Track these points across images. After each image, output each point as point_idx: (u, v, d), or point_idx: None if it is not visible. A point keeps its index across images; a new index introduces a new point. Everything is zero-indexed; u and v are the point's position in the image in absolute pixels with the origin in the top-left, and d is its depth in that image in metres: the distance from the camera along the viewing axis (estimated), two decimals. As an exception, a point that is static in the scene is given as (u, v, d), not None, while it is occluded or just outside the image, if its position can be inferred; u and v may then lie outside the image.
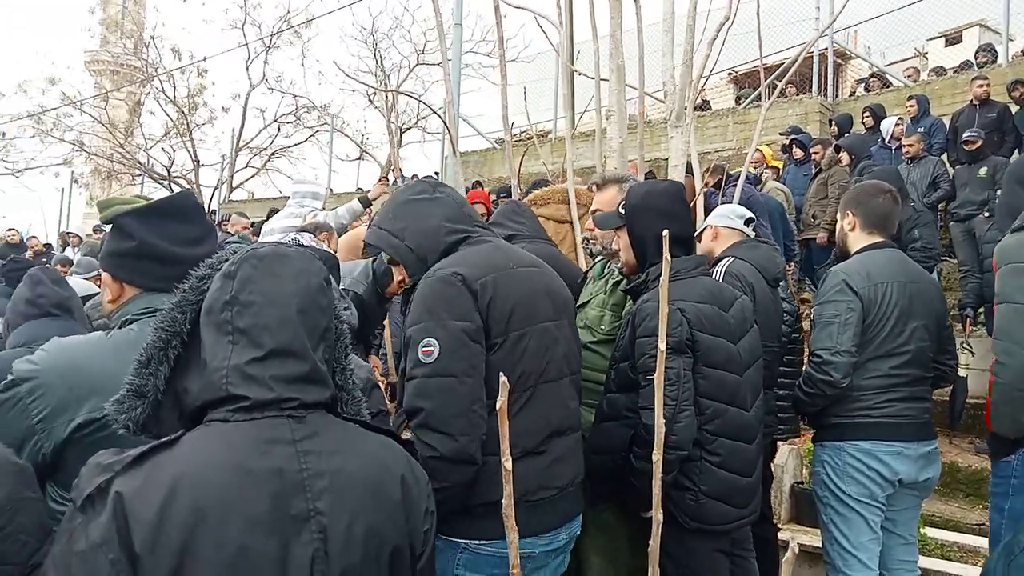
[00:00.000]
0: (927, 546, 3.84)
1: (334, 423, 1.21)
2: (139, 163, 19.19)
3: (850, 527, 2.63)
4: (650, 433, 1.89)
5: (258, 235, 6.72)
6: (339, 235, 4.53)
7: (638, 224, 2.39)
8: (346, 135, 18.74)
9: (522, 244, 2.82)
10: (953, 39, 15.95)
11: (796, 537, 3.78)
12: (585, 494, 2.41)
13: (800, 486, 4.27)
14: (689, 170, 4.11)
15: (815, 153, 7.81)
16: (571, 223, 3.68)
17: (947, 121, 8.01)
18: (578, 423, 2.03)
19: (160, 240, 1.60)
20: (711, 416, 2.22)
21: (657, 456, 1.69)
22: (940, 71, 11.75)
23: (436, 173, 12.90)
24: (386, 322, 3.88)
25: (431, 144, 18.31)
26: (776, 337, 3.06)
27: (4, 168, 19.84)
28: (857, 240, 2.83)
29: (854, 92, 12.63)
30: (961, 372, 3.12)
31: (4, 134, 19.46)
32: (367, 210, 5.09)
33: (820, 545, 2.85)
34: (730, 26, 4.01)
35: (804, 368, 2.75)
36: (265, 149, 19.95)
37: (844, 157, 7.30)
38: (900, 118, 8.13)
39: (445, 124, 4.52)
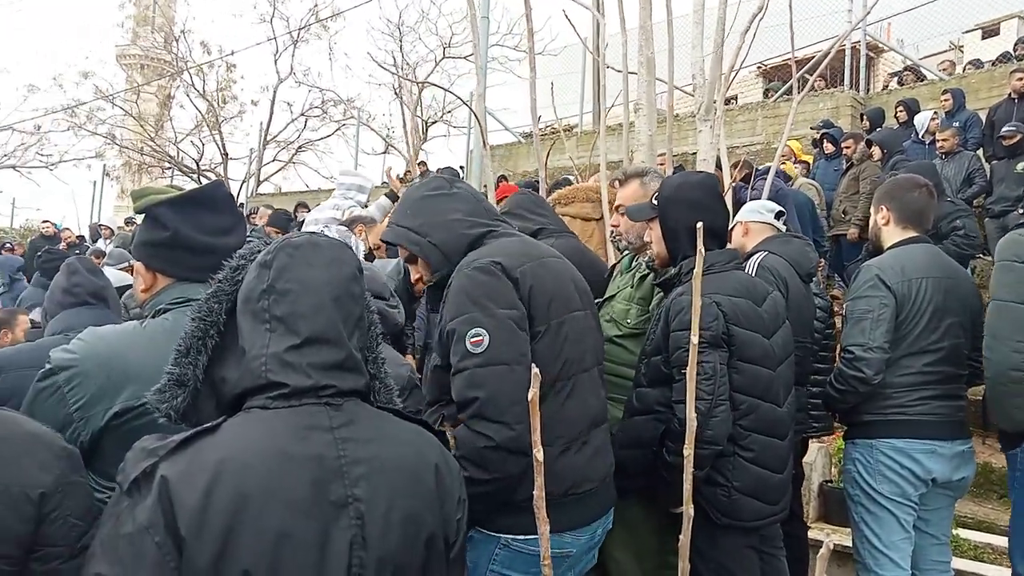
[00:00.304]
0: (960, 547, 3.78)
1: (370, 411, 1.23)
2: (169, 156, 19.46)
3: (882, 526, 2.59)
4: (684, 427, 1.87)
5: (276, 229, 6.76)
6: None
7: (671, 216, 2.36)
8: (372, 128, 18.83)
9: (550, 239, 2.82)
10: (990, 31, 15.58)
11: (824, 536, 3.74)
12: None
13: (829, 484, 4.23)
14: (718, 164, 4.07)
15: (846, 148, 7.68)
16: (598, 219, 3.66)
17: (983, 115, 7.83)
18: (607, 414, 2.02)
19: (193, 230, 1.62)
20: (745, 411, 2.20)
21: (688, 451, 1.68)
22: (977, 64, 11.48)
23: (462, 167, 12.91)
24: None
25: (456, 138, 18.35)
26: (809, 333, 3.02)
27: (39, 161, 20.26)
28: (891, 235, 2.79)
29: (887, 86, 12.40)
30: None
31: (39, 127, 19.86)
32: (395, 205, 5.11)
33: (849, 544, 2.82)
34: (761, 18, 3.96)
35: (836, 365, 2.71)
36: (292, 142, 20.12)
37: (876, 152, 7.18)
38: (935, 112, 7.96)
39: (476, 116, 4.52)
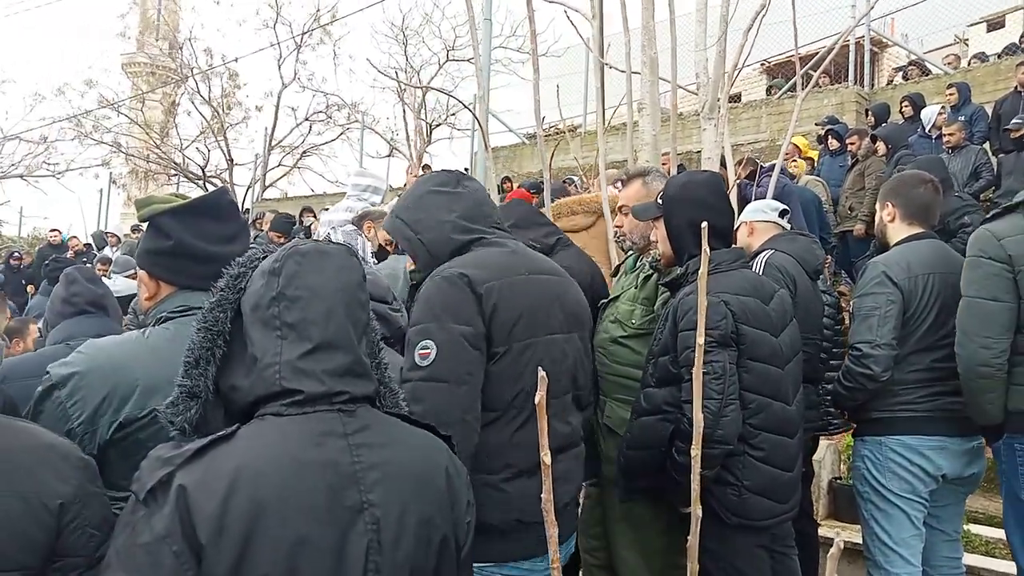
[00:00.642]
0: (971, 543, 3.76)
1: (381, 416, 1.24)
2: (175, 163, 19.54)
3: (892, 523, 2.59)
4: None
5: (279, 233, 6.74)
6: None
7: (676, 215, 2.36)
8: (376, 132, 18.87)
9: (565, 251, 2.82)
10: (995, 24, 15.51)
11: (834, 533, 3.73)
12: (616, 488, 2.42)
13: (838, 482, 4.21)
14: (723, 162, 4.06)
15: (851, 144, 7.65)
16: (587, 228, 3.67)
17: (989, 109, 7.79)
18: (579, 439, 1.97)
19: (196, 239, 1.61)
20: (755, 410, 2.20)
21: (696, 451, 1.68)
22: (982, 57, 11.43)
23: (466, 169, 12.93)
24: None
25: (459, 141, 18.35)
26: (818, 330, 3.02)
27: (46, 170, 20.38)
28: (897, 231, 2.78)
29: (891, 81, 12.37)
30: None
31: (46, 138, 19.98)
32: None
33: (859, 541, 2.81)
34: (764, 15, 3.95)
35: (844, 362, 2.71)
36: (297, 147, 20.18)
37: (881, 147, 7.15)
38: (943, 107, 7.93)
39: (477, 119, 4.52)
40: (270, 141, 19.01)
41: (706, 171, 2.84)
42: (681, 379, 2.17)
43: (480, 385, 1.73)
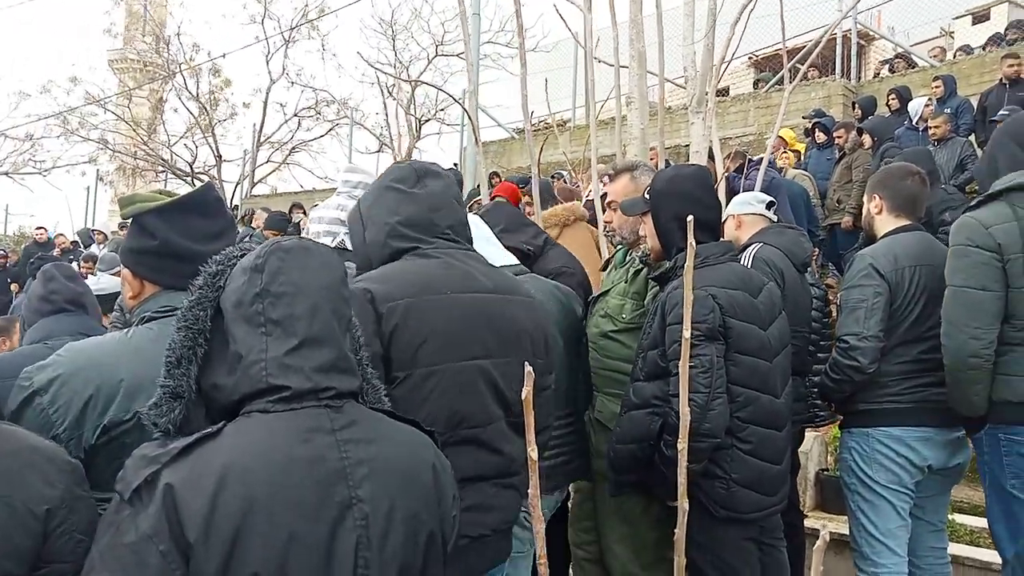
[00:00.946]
0: (956, 533, 3.79)
1: (367, 412, 1.24)
2: (162, 160, 19.41)
3: (878, 514, 2.60)
4: None
5: (274, 231, 6.70)
6: None
7: (663, 209, 2.36)
8: (366, 128, 18.80)
9: (552, 249, 2.81)
10: (981, 17, 15.60)
11: (821, 524, 3.75)
12: (606, 483, 2.42)
13: (825, 473, 4.24)
14: (711, 155, 4.07)
15: (838, 137, 7.69)
16: (564, 227, 3.67)
17: (975, 101, 7.84)
18: (518, 467, 1.80)
19: (181, 238, 1.59)
20: (743, 403, 2.21)
21: (682, 445, 1.68)
22: (967, 50, 11.49)
23: (456, 164, 12.89)
24: None
25: (448, 136, 18.32)
26: (806, 323, 3.03)
27: (32, 168, 20.20)
28: (884, 223, 2.79)
29: (878, 74, 12.41)
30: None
31: (32, 136, 19.80)
32: None
33: (846, 532, 2.83)
34: (752, 8, 3.96)
35: (831, 354, 2.72)
36: (286, 143, 20.08)
37: (867, 140, 7.18)
38: (929, 99, 7.97)
39: (467, 113, 4.51)
40: (258, 137, 18.90)
41: (693, 165, 2.85)
42: (670, 373, 2.17)
43: None
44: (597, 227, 3.76)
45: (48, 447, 1.30)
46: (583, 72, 4.15)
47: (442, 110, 18.24)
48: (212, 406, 1.21)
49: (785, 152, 7.86)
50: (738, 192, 4.23)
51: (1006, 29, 10.71)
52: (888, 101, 8.33)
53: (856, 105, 9.13)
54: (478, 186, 6.04)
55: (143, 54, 23.49)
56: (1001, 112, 6.69)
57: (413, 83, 14.14)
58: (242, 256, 1.27)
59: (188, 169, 19.24)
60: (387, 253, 1.78)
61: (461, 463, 1.52)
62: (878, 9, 13.09)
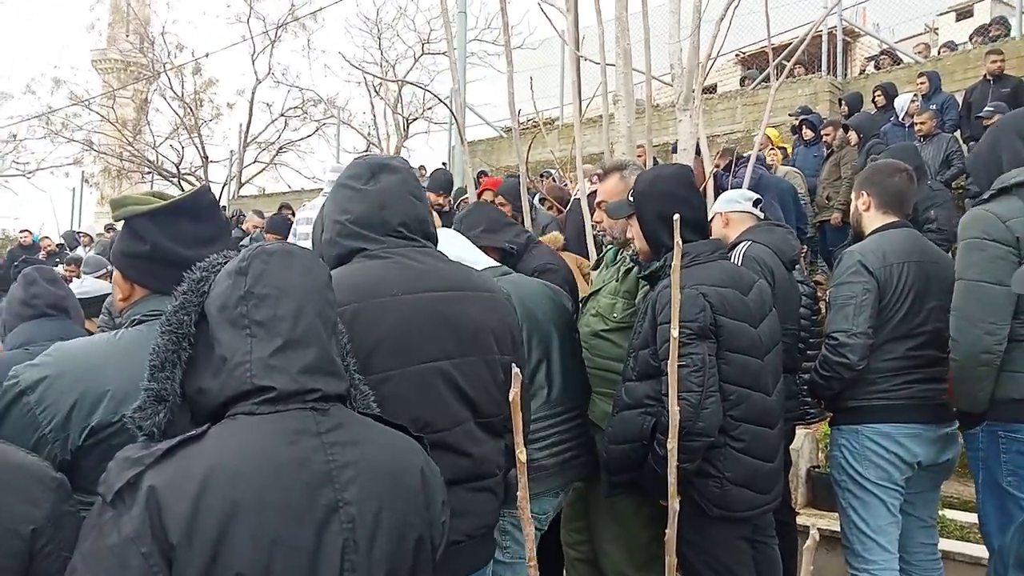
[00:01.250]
0: (946, 528, 3.81)
1: (354, 416, 1.23)
2: (148, 161, 19.27)
3: (869, 511, 2.60)
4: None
5: (276, 235, 6.62)
6: None
7: (647, 211, 2.36)
8: (353, 127, 18.74)
9: (535, 247, 2.80)
10: (964, 13, 15.74)
11: (813, 521, 3.76)
12: (599, 483, 2.41)
13: (816, 470, 4.25)
14: (698, 152, 4.07)
15: (827, 134, 7.73)
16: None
17: (959, 97, 7.89)
18: (492, 469, 1.77)
19: (173, 243, 1.57)
20: (735, 402, 2.20)
21: (672, 444, 1.67)
22: (951, 46, 11.58)
23: (444, 163, 12.86)
24: None
25: (436, 135, 18.29)
26: (795, 320, 3.04)
27: (15, 169, 20.01)
28: (872, 220, 2.79)
29: (864, 70, 12.49)
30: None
31: (15, 136, 19.61)
32: None
33: (837, 529, 2.83)
34: (737, 5, 3.96)
35: (821, 351, 2.72)
36: (273, 144, 19.99)
37: (853, 137, 7.22)
38: (915, 95, 8.02)
39: (452, 113, 4.49)
40: (245, 137, 18.81)
41: (674, 164, 2.85)
42: (662, 372, 2.17)
43: None
44: (585, 228, 3.74)
45: (33, 465, 1.27)
46: (570, 70, 4.13)
47: (430, 109, 18.23)
48: (198, 411, 1.21)
49: (773, 150, 7.88)
50: (726, 189, 4.23)
51: (990, 23, 10.78)
52: (874, 98, 8.38)
53: (842, 102, 9.18)
54: (465, 186, 6.02)
55: (126, 54, 23.33)
56: (986, 108, 6.74)
57: (399, 82, 14.10)
58: (226, 262, 1.27)
59: (175, 170, 19.10)
60: (336, 253, 1.73)
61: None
62: (863, 6, 13.18)
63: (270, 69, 18.95)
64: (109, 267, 5.33)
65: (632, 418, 2.25)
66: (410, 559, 1.19)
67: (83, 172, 20.03)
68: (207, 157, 18.98)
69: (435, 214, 2.39)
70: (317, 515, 1.09)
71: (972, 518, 3.96)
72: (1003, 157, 2.43)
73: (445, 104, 5.37)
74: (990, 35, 10.18)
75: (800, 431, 4.05)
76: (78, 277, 5.56)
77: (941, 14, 15.55)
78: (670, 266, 2.24)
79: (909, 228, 2.77)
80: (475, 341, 1.72)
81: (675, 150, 5.89)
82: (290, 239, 4.80)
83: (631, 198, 2.42)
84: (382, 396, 1.46)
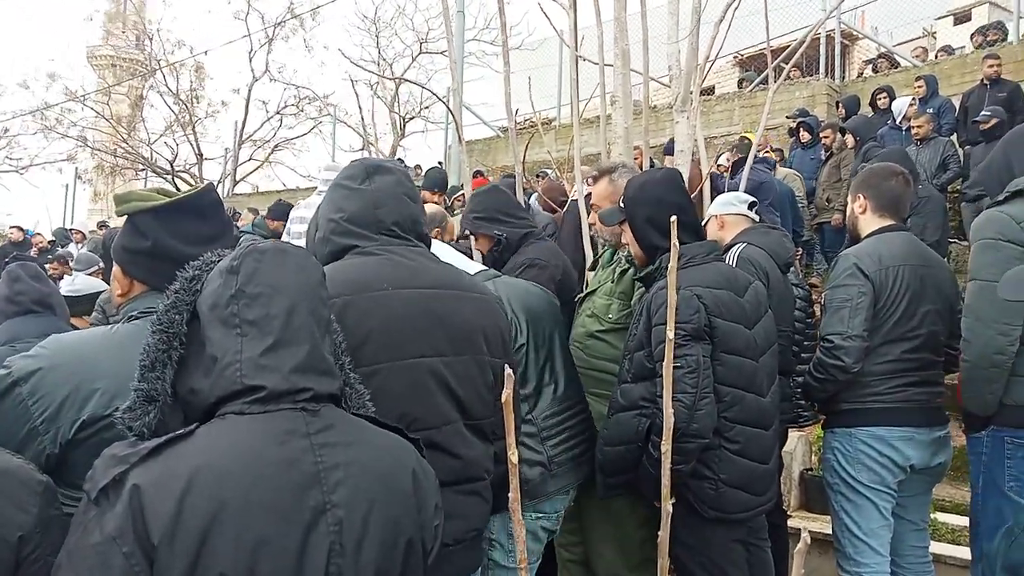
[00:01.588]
0: (938, 531, 3.81)
1: (346, 417, 1.22)
2: (143, 158, 19.18)
3: (861, 514, 2.60)
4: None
5: (280, 222, 6.54)
6: None
7: (638, 216, 2.37)
8: (349, 125, 18.68)
9: (533, 244, 2.80)
10: (962, 18, 15.80)
11: (806, 524, 3.76)
12: (593, 485, 2.41)
13: (809, 473, 4.26)
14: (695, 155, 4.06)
15: (825, 137, 7.75)
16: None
17: (956, 101, 7.91)
18: (477, 473, 1.75)
19: (175, 241, 1.57)
20: (730, 403, 2.20)
21: (666, 446, 1.67)
22: (949, 50, 11.61)
23: (440, 163, 12.85)
24: None
25: (434, 134, 18.25)
26: (790, 322, 3.04)
27: (8, 165, 19.89)
28: (868, 223, 2.80)
29: (862, 73, 12.51)
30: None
31: (7, 130, 19.50)
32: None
33: (830, 532, 2.83)
34: (736, 7, 3.95)
35: (815, 354, 2.72)
36: (268, 141, 19.92)
37: (851, 140, 7.24)
38: (913, 99, 8.04)
39: (451, 112, 4.48)
40: (240, 135, 18.75)
41: (663, 168, 2.85)
42: (657, 374, 2.16)
43: None
44: (582, 229, 3.74)
45: (20, 469, 1.25)
46: (568, 70, 4.13)
47: (427, 108, 18.18)
48: (190, 411, 1.20)
49: (769, 147, 7.90)
50: (723, 191, 4.23)
51: (988, 28, 10.82)
52: (878, 100, 8.35)
53: (840, 105, 9.19)
54: (461, 184, 6.01)
55: (121, 50, 23.25)
56: (983, 112, 6.76)
57: (397, 80, 14.08)
58: (219, 260, 1.26)
59: (169, 167, 19.03)
60: (328, 250, 1.73)
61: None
62: (862, 9, 13.20)
63: (267, 67, 18.90)
64: (101, 264, 5.30)
65: (627, 420, 2.24)
66: (400, 562, 1.18)
67: (76, 168, 19.96)
68: (202, 154, 18.91)
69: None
70: (304, 516, 1.08)
71: (963, 521, 3.96)
72: (1015, 164, 2.43)
73: (444, 102, 5.35)
74: (988, 39, 10.21)
75: (793, 434, 4.06)
76: (69, 275, 5.53)
77: (939, 18, 15.62)
78: (665, 268, 2.25)
79: (906, 232, 2.78)
80: (468, 341, 1.72)
81: (667, 151, 5.89)
82: (284, 238, 4.78)
83: (622, 204, 2.43)
84: (371, 388, 1.45)
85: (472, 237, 2.94)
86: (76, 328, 2.54)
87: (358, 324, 1.57)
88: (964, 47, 11.38)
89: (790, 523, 3.45)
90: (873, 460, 2.58)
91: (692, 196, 3.12)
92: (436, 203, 5.82)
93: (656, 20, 4.20)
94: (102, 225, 12.54)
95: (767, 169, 6.61)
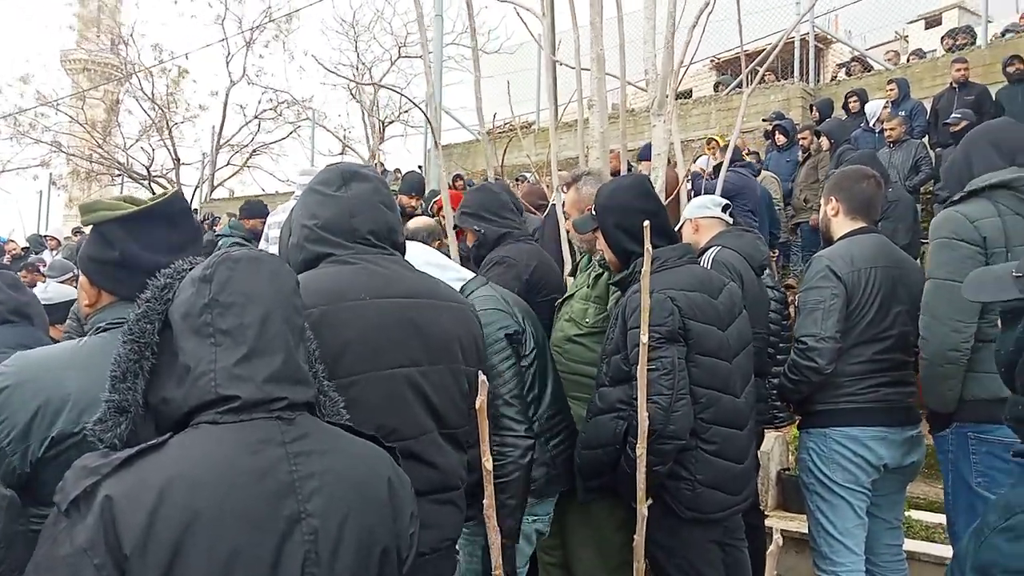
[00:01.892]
0: (912, 529, 3.87)
1: (321, 425, 1.22)
2: (118, 163, 18.94)
3: (836, 513, 2.63)
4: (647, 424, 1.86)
5: (259, 220, 6.43)
6: None
7: (609, 223, 2.40)
8: (328, 130, 18.58)
9: (511, 244, 2.81)
10: (933, 22, 16.06)
11: (782, 524, 3.80)
12: (575, 491, 2.42)
13: (786, 473, 4.29)
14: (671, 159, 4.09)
15: (803, 139, 7.84)
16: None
17: (927, 104, 8.04)
18: (453, 483, 1.73)
19: (143, 250, 1.54)
20: (705, 404, 2.22)
21: (641, 449, 1.68)
22: (920, 54, 11.80)
23: (420, 167, 12.82)
24: None
25: (413, 138, 18.21)
26: (764, 324, 3.07)
27: (-21, 170, 19.54)
28: (841, 225, 2.83)
29: (835, 77, 12.67)
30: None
31: (-22, 135, 19.15)
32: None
33: (806, 531, 2.86)
34: (710, 12, 3.99)
35: (790, 355, 2.75)
36: (246, 146, 19.76)
37: (825, 142, 7.33)
38: (887, 102, 8.15)
39: (427, 117, 4.48)
40: (218, 140, 18.58)
41: (631, 174, 2.88)
42: (633, 377, 2.18)
43: None
44: (560, 233, 3.75)
45: None
46: (546, 74, 4.14)
47: (406, 112, 18.14)
48: (162, 421, 1.18)
49: (747, 149, 7.98)
50: (702, 192, 4.27)
51: (957, 32, 11.01)
52: (849, 103, 8.48)
53: (814, 107, 9.30)
54: (439, 188, 6.01)
55: (94, 54, 22.92)
56: (953, 115, 6.87)
57: (375, 86, 14.02)
58: (192, 268, 1.24)
59: (145, 173, 18.79)
60: (302, 258, 1.71)
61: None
62: (835, 13, 13.38)
63: (244, 71, 18.75)
64: (75, 271, 5.22)
65: (605, 423, 2.25)
66: (375, 571, 1.18)
67: (51, 174, 19.64)
68: (179, 159, 18.71)
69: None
70: (279, 526, 1.08)
71: (937, 518, 4.03)
72: (974, 163, 2.49)
73: (420, 108, 5.35)
74: (957, 43, 10.38)
75: (770, 434, 4.09)
76: (43, 282, 5.44)
77: (911, 22, 15.86)
78: (639, 272, 2.27)
79: (877, 234, 2.82)
80: (444, 350, 1.71)
81: (642, 156, 5.92)
82: (262, 244, 4.74)
83: (593, 212, 2.45)
84: (349, 399, 1.43)
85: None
86: (54, 338, 2.51)
87: (334, 335, 1.54)
88: (935, 50, 11.56)
89: (767, 523, 3.48)
90: (847, 460, 2.61)
91: (668, 199, 3.14)
92: (413, 207, 5.81)
93: (632, 25, 4.23)
94: (77, 231, 12.36)
95: (750, 173, 6.66)
